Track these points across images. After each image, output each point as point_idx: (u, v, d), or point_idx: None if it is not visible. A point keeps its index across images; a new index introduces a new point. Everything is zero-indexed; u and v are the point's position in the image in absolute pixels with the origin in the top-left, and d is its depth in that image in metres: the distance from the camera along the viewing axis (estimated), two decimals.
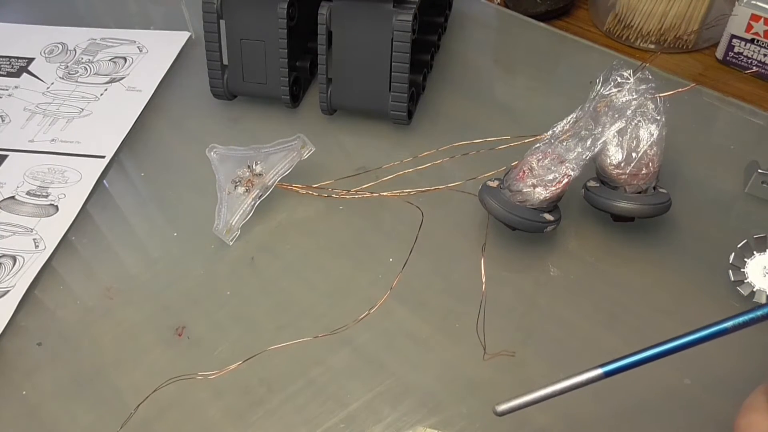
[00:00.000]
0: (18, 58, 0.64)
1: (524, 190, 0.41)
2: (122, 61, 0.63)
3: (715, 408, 0.36)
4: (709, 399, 0.37)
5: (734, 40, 0.58)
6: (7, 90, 0.61)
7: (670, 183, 0.46)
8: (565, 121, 0.43)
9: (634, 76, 0.42)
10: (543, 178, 0.41)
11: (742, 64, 0.59)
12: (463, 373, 0.39)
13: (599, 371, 0.29)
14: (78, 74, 0.62)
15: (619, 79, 0.42)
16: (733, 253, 0.41)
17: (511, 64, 0.61)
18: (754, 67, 0.58)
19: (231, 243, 0.46)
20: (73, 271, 0.46)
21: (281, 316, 0.42)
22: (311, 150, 0.48)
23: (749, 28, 0.56)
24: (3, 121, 0.58)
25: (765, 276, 0.40)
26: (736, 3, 0.56)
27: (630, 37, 0.63)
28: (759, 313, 0.28)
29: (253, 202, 0.47)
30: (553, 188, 0.41)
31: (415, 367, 0.39)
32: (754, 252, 0.41)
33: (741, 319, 0.28)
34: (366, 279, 0.44)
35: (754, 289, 0.40)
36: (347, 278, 0.44)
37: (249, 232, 0.47)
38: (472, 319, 0.38)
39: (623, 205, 0.42)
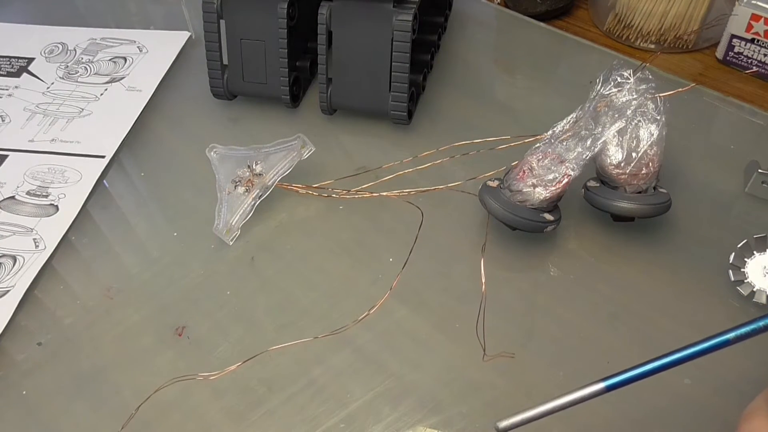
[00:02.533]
0: (18, 58, 0.64)
1: (524, 190, 0.41)
2: (122, 61, 0.63)
3: (720, 411, 0.36)
4: (715, 401, 0.37)
5: (734, 40, 0.58)
6: (7, 90, 0.61)
7: (670, 183, 0.46)
8: (565, 121, 0.43)
9: (634, 76, 0.42)
10: (543, 178, 0.41)
11: (742, 64, 0.59)
12: (463, 373, 0.39)
13: (601, 385, 0.29)
14: (78, 74, 0.62)
15: (619, 79, 0.42)
16: (733, 253, 0.41)
17: (511, 64, 0.61)
18: (754, 67, 0.58)
19: (231, 243, 0.46)
20: (73, 271, 0.46)
21: (281, 316, 0.42)
22: (311, 150, 0.48)
23: (749, 27, 0.56)
24: (3, 121, 0.58)
25: (765, 276, 0.40)
26: (736, 3, 0.56)
27: (630, 37, 0.63)
28: (761, 323, 0.28)
29: (253, 202, 0.47)
30: (553, 188, 0.41)
31: (415, 367, 0.39)
32: (754, 252, 0.41)
33: (743, 330, 0.28)
34: (366, 279, 0.44)
35: (754, 289, 0.40)
36: (347, 278, 0.44)
37: (249, 232, 0.47)
38: (472, 319, 0.38)
39: (623, 205, 0.42)
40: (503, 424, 0.29)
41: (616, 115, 0.41)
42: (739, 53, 0.58)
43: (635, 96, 0.42)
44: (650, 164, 0.41)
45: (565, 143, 0.42)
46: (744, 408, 0.29)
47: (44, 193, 0.51)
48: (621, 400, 0.36)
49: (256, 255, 0.46)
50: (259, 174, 0.47)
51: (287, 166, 0.47)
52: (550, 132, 0.43)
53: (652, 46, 0.62)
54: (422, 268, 0.43)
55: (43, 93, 0.60)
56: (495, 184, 0.43)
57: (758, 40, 0.56)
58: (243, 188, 0.47)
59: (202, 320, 0.42)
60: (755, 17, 0.55)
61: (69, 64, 0.63)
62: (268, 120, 0.55)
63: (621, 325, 0.40)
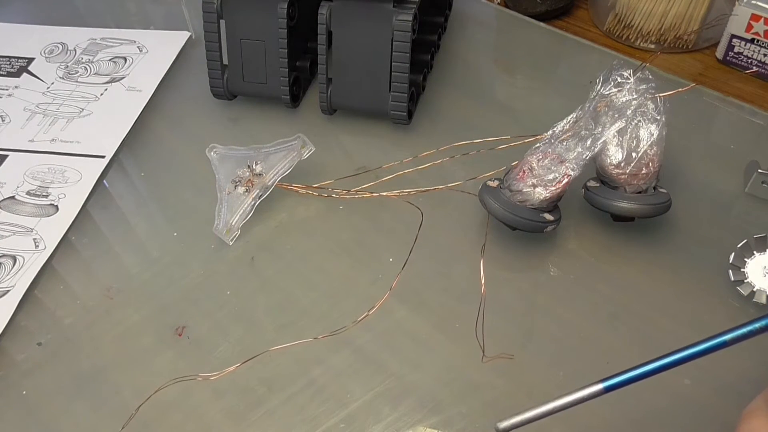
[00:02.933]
0: (18, 58, 0.64)
1: (524, 190, 0.41)
2: (122, 61, 0.63)
3: (720, 411, 0.36)
4: (714, 402, 0.37)
5: (734, 40, 0.58)
6: (7, 90, 0.61)
7: (670, 183, 0.46)
8: (565, 121, 0.43)
9: (634, 76, 0.42)
10: (543, 178, 0.41)
11: (742, 64, 0.59)
12: (463, 373, 0.39)
13: (600, 386, 0.29)
14: (78, 74, 0.62)
15: (619, 79, 0.42)
16: (733, 253, 0.41)
17: (511, 64, 0.61)
18: (754, 67, 0.58)
19: (231, 243, 0.46)
20: (73, 271, 0.46)
21: (281, 316, 0.42)
22: (311, 150, 0.48)
23: (749, 27, 0.56)
24: (3, 121, 0.58)
25: (765, 276, 0.40)
26: (736, 3, 0.56)
27: (630, 37, 0.63)
28: (757, 325, 0.28)
29: (253, 202, 0.47)
30: (553, 188, 0.41)
31: (415, 367, 0.39)
32: (754, 252, 0.41)
33: (740, 332, 0.28)
34: (366, 279, 0.44)
35: (754, 289, 0.40)
36: (347, 278, 0.44)
37: (249, 232, 0.47)
38: (472, 319, 0.38)
39: (623, 205, 0.42)
40: (503, 424, 0.29)
41: (616, 115, 0.41)
42: (739, 53, 0.58)
43: (635, 96, 0.42)
44: (650, 164, 0.41)
45: (565, 143, 0.42)
46: (743, 408, 0.29)
47: (44, 193, 0.51)
48: (620, 400, 0.36)
49: (256, 255, 0.46)
50: (259, 174, 0.47)
51: (287, 166, 0.47)
52: (550, 132, 0.43)
53: (652, 46, 0.62)
54: (422, 268, 0.43)
55: (43, 93, 0.60)
56: (495, 184, 0.43)
57: (758, 40, 0.56)
58: (243, 188, 0.47)
59: (202, 320, 0.42)
60: (755, 17, 0.55)
61: (69, 64, 0.63)
62: (268, 120, 0.55)
63: (621, 325, 0.40)
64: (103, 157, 0.53)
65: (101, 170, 0.52)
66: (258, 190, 0.47)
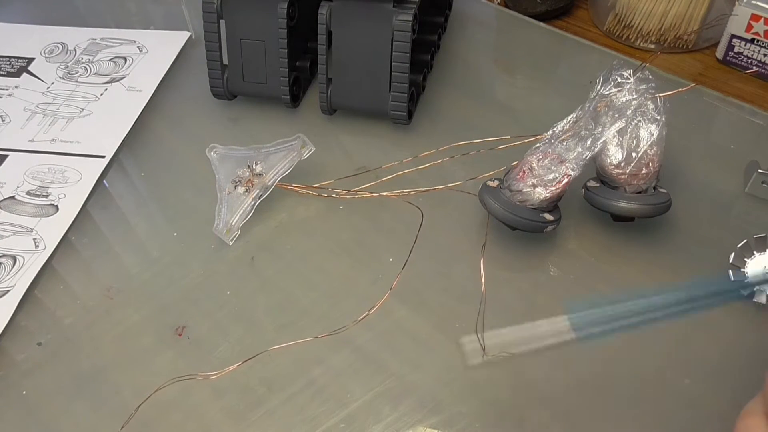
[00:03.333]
0: (18, 58, 0.64)
1: (524, 190, 0.41)
2: (122, 61, 0.63)
3: (718, 410, 0.36)
4: (712, 400, 0.37)
5: (734, 40, 0.58)
6: (7, 90, 0.61)
7: (670, 183, 0.46)
8: (565, 121, 0.43)
9: (634, 76, 0.42)
10: (543, 178, 0.41)
11: (742, 64, 0.59)
12: (463, 373, 0.39)
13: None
14: (78, 74, 0.62)
15: (619, 79, 0.42)
16: (733, 253, 0.41)
17: (511, 64, 0.61)
18: (754, 67, 0.58)
19: (231, 243, 0.46)
20: (73, 271, 0.46)
21: (281, 316, 0.42)
22: (311, 150, 0.48)
23: (749, 27, 0.56)
24: (3, 121, 0.58)
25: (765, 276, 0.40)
26: (736, 3, 0.56)
27: (630, 37, 0.63)
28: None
29: (253, 202, 0.47)
30: (553, 188, 0.41)
31: (415, 367, 0.39)
32: (754, 252, 0.41)
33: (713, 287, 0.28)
34: (366, 279, 0.44)
35: (755, 289, 0.40)
36: (347, 278, 0.44)
37: (249, 232, 0.47)
38: (472, 319, 0.39)
39: (623, 205, 0.42)
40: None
41: (616, 115, 0.41)
42: (739, 53, 0.58)
43: (635, 96, 0.42)
44: (650, 164, 0.41)
45: (565, 143, 0.42)
46: (742, 408, 0.29)
47: (44, 193, 0.51)
48: (618, 397, 0.36)
49: (256, 255, 0.46)
50: (259, 174, 0.47)
51: (287, 166, 0.47)
52: (550, 132, 0.43)
53: (652, 46, 0.62)
54: (422, 268, 0.43)
55: (43, 93, 0.60)
56: (495, 184, 0.43)
57: (758, 40, 0.56)
58: (243, 188, 0.47)
59: (202, 320, 0.42)
60: (755, 17, 0.55)
61: (69, 64, 0.63)
62: (268, 120, 0.55)
63: None
64: (103, 157, 0.53)
65: (101, 170, 0.52)
66: (258, 190, 0.47)
